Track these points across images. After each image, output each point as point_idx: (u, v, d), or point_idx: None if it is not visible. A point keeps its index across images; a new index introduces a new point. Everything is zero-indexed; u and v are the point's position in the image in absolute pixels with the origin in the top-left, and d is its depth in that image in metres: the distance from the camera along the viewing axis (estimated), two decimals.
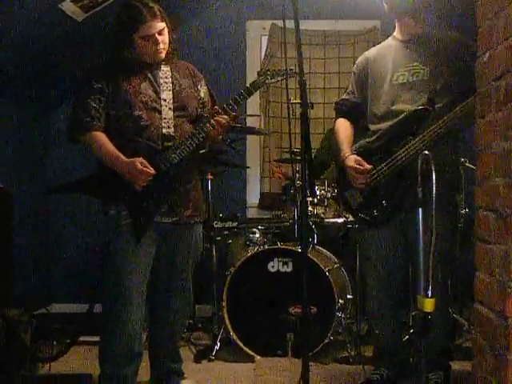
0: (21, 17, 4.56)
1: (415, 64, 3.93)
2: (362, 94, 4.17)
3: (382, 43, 4.23)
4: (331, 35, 6.72)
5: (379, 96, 4.03)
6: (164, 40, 3.69)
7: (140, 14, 3.57)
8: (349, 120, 4.26)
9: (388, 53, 4.07)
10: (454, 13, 5.81)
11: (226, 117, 3.68)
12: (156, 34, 3.63)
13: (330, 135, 5.39)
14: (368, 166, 3.93)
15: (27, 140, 6.13)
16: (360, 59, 4.25)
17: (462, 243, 5.02)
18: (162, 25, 3.64)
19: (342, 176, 4.11)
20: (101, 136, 3.65)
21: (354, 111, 4.23)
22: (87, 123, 3.63)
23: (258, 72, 3.83)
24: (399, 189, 3.86)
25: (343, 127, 4.25)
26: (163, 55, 3.73)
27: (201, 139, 3.65)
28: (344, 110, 4.28)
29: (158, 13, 3.62)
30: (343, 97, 4.34)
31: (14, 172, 5.71)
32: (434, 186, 2.91)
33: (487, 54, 2.69)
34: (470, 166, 4.78)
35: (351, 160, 4.00)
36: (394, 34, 4.12)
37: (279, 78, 3.76)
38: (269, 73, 3.76)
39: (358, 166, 3.95)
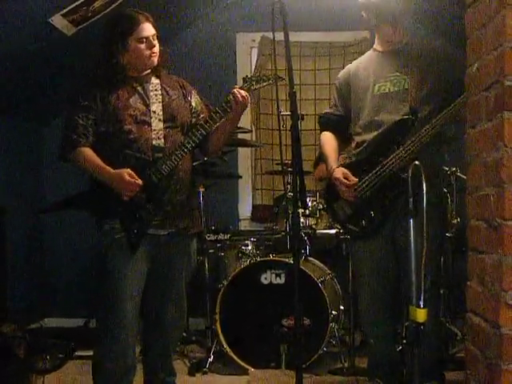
0: (10, 31, 4.56)
1: (396, 74, 3.95)
2: (345, 107, 4.20)
3: (363, 56, 4.27)
4: (322, 46, 6.73)
5: (362, 107, 4.05)
6: (156, 45, 3.72)
7: (134, 17, 3.65)
8: (333, 133, 4.28)
9: (369, 65, 4.11)
10: (442, 18, 5.83)
11: (243, 92, 3.66)
12: (150, 37, 3.66)
13: None
14: (354, 180, 3.95)
15: (20, 156, 6.12)
16: (341, 73, 4.28)
17: (454, 253, 5.02)
18: (154, 30, 3.68)
19: (331, 188, 4.13)
20: (87, 151, 3.65)
21: (338, 124, 4.26)
22: (74, 141, 3.63)
23: (243, 78, 3.81)
24: (386, 199, 3.89)
25: (328, 140, 4.27)
26: (156, 60, 3.74)
27: (190, 148, 3.65)
28: (328, 123, 4.31)
29: (150, 19, 3.69)
30: (326, 110, 4.38)
31: (6, 188, 5.70)
32: (425, 195, 2.91)
33: (476, 65, 2.70)
34: (461, 175, 4.79)
35: (338, 173, 4.01)
36: (374, 45, 4.16)
37: (265, 84, 3.75)
38: (254, 78, 3.76)
39: (344, 180, 3.97)
